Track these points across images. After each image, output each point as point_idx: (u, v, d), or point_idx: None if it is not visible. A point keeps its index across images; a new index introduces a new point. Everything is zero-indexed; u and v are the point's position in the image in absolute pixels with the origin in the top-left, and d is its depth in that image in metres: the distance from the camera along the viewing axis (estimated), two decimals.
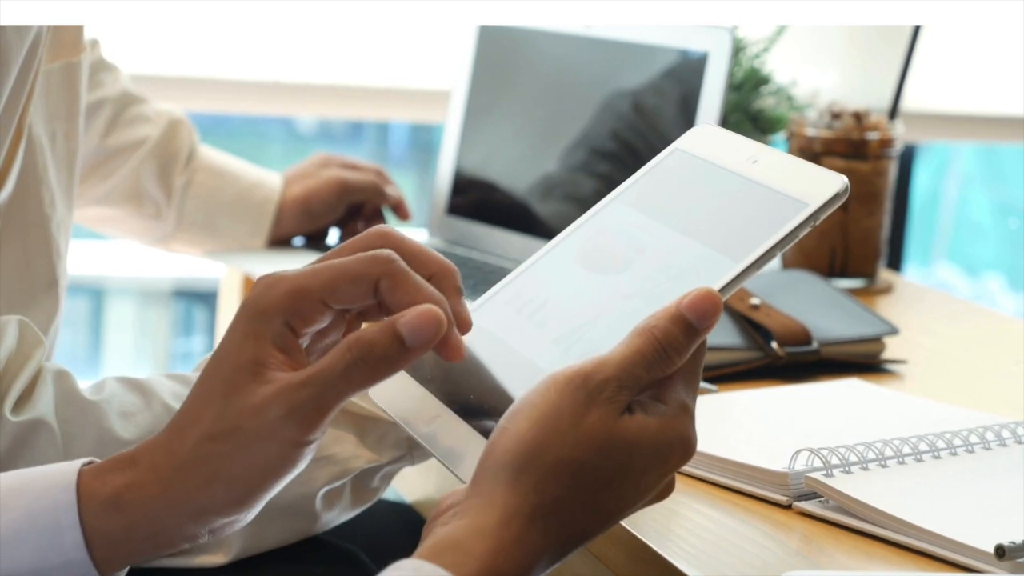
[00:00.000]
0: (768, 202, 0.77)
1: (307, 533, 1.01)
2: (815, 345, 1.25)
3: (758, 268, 0.75)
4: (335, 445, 0.96)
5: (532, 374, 0.75)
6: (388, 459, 1.00)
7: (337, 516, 1.01)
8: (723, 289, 0.74)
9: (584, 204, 1.52)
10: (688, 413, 0.74)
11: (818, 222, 0.75)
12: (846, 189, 0.75)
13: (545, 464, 0.70)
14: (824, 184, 0.76)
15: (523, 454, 0.71)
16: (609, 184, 1.52)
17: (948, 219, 3.45)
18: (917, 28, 1.64)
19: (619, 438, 0.71)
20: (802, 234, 0.75)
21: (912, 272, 2.94)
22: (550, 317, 0.78)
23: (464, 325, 0.75)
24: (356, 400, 0.89)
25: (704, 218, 0.78)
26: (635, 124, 1.48)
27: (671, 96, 1.44)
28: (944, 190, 3.41)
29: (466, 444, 0.75)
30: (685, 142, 0.83)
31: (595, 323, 0.76)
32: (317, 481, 0.97)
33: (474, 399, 0.77)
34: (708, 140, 0.82)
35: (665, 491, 0.75)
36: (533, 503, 0.70)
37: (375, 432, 0.98)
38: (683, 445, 0.73)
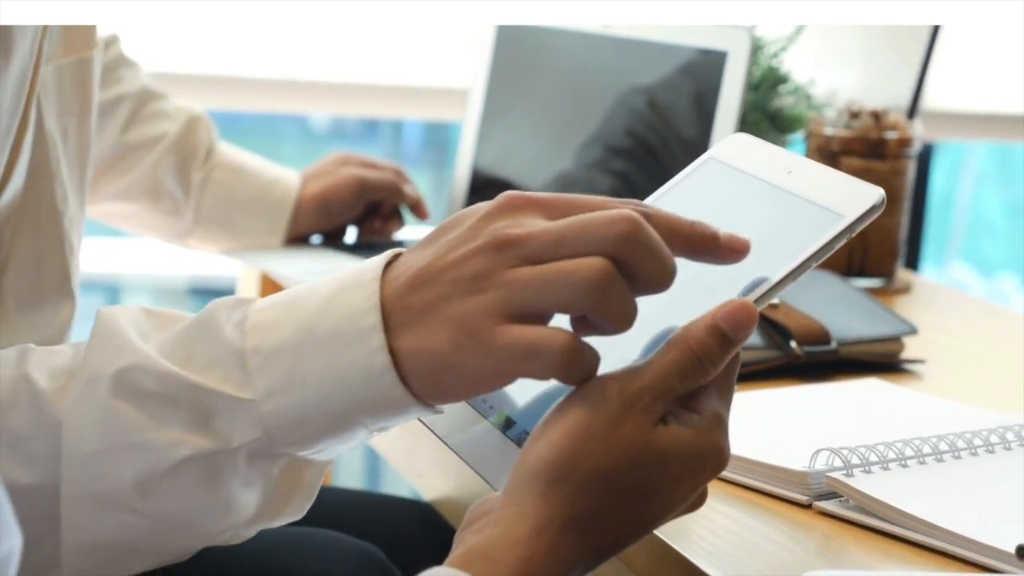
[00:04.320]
0: (803, 213, 0.76)
1: (143, 528, 0.78)
2: (834, 345, 1.25)
3: (793, 279, 0.74)
4: (154, 430, 0.76)
5: (565, 384, 0.75)
6: (239, 443, 0.77)
7: (200, 510, 0.78)
8: (758, 300, 0.74)
9: None
10: (722, 424, 0.73)
11: (854, 234, 0.75)
12: (883, 201, 0.75)
13: (578, 474, 0.70)
14: (860, 196, 0.75)
15: (556, 464, 0.70)
16: (627, 182, 1.52)
17: (962, 219, 3.44)
18: (936, 27, 1.63)
19: (653, 449, 0.71)
20: (838, 246, 0.75)
21: (927, 272, 2.94)
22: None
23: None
24: (198, 377, 0.76)
25: (738, 228, 0.77)
26: (653, 123, 1.48)
27: (690, 95, 1.44)
28: (958, 190, 3.41)
29: (499, 452, 0.75)
30: (719, 151, 0.82)
31: (628, 333, 0.75)
32: (124, 472, 0.77)
33: (507, 408, 0.77)
34: (742, 149, 0.82)
35: (698, 501, 0.75)
36: (566, 513, 0.70)
37: (224, 414, 0.77)
38: (716, 456, 0.73)
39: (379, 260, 0.75)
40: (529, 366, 0.71)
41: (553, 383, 0.76)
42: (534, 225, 0.72)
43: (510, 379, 0.72)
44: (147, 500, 0.76)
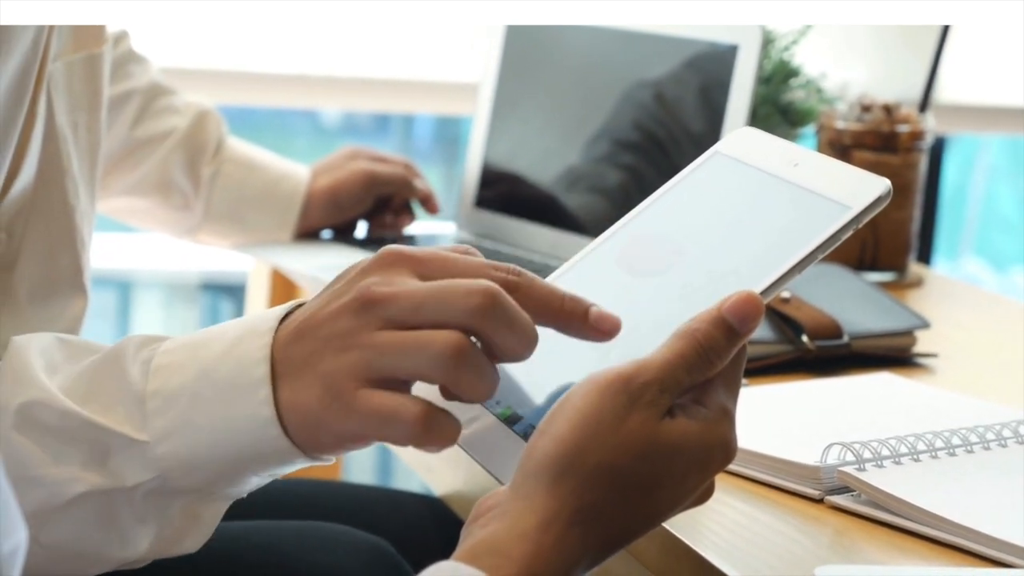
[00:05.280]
0: (810, 206, 0.76)
1: (37, 556, 0.79)
2: (846, 339, 1.25)
3: (799, 271, 0.75)
4: (51, 466, 0.78)
5: (572, 377, 0.74)
6: (134, 482, 0.78)
7: (94, 542, 0.80)
8: (764, 292, 0.74)
9: (613, 197, 1.53)
10: (729, 417, 0.73)
11: (860, 225, 0.75)
12: (889, 192, 0.75)
13: (585, 468, 0.70)
14: (867, 187, 0.75)
15: (563, 457, 0.70)
16: (638, 177, 1.52)
17: (975, 212, 3.43)
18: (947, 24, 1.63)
19: (660, 442, 0.71)
20: (844, 237, 0.75)
21: (940, 266, 2.93)
22: None
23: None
24: (97, 416, 0.77)
25: (745, 221, 0.78)
26: (663, 117, 1.47)
27: (701, 89, 1.44)
28: (971, 183, 3.40)
29: (505, 446, 0.75)
30: (725, 145, 0.83)
31: (635, 326, 0.75)
32: (22, 504, 0.76)
33: (513, 402, 0.77)
34: (748, 143, 0.82)
35: (705, 495, 0.75)
36: (572, 507, 0.70)
37: (120, 454, 0.78)
38: (724, 449, 0.73)
39: (280, 309, 0.78)
40: (385, 433, 0.74)
41: (561, 380, 0.76)
42: (402, 284, 0.74)
43: (371, 442, 0.75)
44: (43, 531, 0.78)
